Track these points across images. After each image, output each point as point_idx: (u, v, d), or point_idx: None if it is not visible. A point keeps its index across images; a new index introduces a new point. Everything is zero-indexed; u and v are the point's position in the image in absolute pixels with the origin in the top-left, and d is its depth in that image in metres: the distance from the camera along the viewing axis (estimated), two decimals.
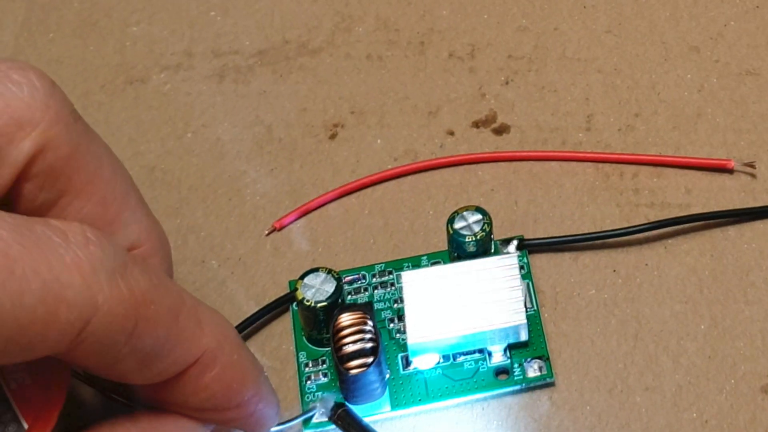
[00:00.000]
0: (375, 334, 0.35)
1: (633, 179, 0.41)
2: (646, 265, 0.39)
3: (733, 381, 0.37)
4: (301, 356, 0.37)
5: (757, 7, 0.45)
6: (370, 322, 0.35)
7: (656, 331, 0.38)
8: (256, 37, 0.47)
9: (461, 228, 0.37)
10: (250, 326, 0.38)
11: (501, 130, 0.43)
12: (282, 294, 0.39)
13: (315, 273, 0.36)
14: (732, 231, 0.40)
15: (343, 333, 0.35)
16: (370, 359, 0.34)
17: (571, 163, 0.42)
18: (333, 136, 0.44)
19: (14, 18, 0.48)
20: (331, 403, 0.35)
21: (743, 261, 0.39)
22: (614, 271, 0.39)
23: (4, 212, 0.26)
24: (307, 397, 0.36)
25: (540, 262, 0.39)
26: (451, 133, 0.43)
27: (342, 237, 0.41)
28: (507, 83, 0.44)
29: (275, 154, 0.43)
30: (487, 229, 0.37)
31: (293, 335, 0.38)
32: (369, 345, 0.35)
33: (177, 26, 0.47)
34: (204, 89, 0.45)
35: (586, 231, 0.40)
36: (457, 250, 0.38)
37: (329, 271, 0.36)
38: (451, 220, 0.37)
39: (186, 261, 0.40)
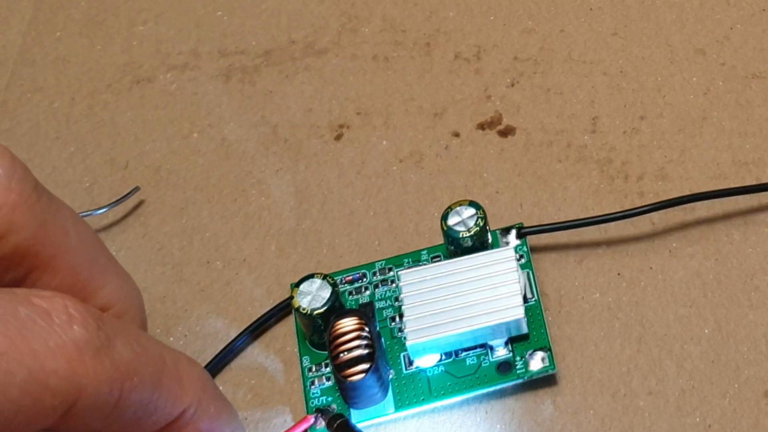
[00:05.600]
0: (371, 339, 0.35)
1: (638, 182, 0.41)
2: (651, 268, 0.39)
3: (736, 385, 0.37)
4: (304, 361, 0.37)
5: (764, 10, 0.45)
6: (366, 328, 0.35)
7: (660, 335, 0.38)
8: (263, 37, 0.47)
9: (455, 224, 0.37)
10: (255, 329, 0.38)
11: (506, 132, 0.43)
12: (286, 297, 0.39)
13: (310, 280, 0.36)
14: (737, 235, 0.40)
15: (340, 341, 0.35)
16: (367, 365, 0.34)
17: (575, 165, 0.42)
18: (338, 137, 0.44)
19: (21, 17, 0.48)
20: (330, 413, 0.35)
21: (748, 265, 0.39)
22: (618, 274, 0.39)
23: None
24: (312, 402, 0.37)
25: (544, 265, 0.39)
26: (457, 135, 0.43)
27: (346, 239, 0.41)
28: (512, 85, 0.44)
29: (281, 155, 0.43)
30: (481, 223, 0.37)
31: (296, 340, 0.38)
32: (365, 352, 0.35)
33: (184, 26, 0.47)
34: (210, 89, 0.45)
35: (590, 233, 0.40)
36: (453, 245, 0.38)
37: (324, 277, 0.36)
38: (444, 217, 0.38)
39: (191, 261, 0.41)
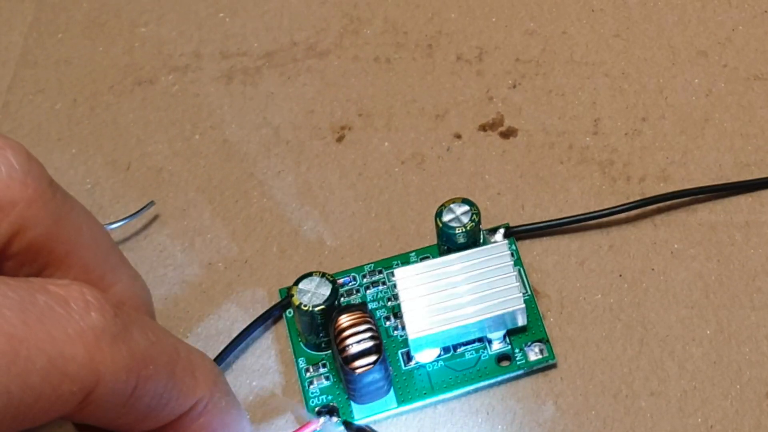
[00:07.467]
0: (376, 331, 0.35)
1: (639, 184, 0.41)
2: (653, 269, 0.39)
3: (738, 386, 0.37)
4: (300, 362, 0.37)
5: (766, 11, 0.45)
6: (370, 320, 0.35)
7: (662, 336, 0.38)
8: (265, 38, 0.47)
9: (450, 220, 0.37)
10: (254, 331, 0.38)
11: (508, 134, 0.43)
12: (284, 298, 0.39)
13: (309, 278, 0.36)
14: (739, 236, 0.40)
15: (345, 334, 0.35)
16: (375, 357, 0.35)
17: (577, 166, 0.42)
18: (340, 139, 0.44)
19: (23, 18, 0.48)
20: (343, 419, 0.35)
21: (750, 266, 0.39)
22: (620, 275, 0.39)
23: (8, 282, 0.26)
24: (312, 402, 0.37)
25: (546, 266, 0.39)
26: (458, 137, 0.43)
27: (348, 240, 0.41)
28: (514, 87, 0.44)
29: (282, 156, 0.43)
30: (476, 220, 0.37)
31: (290, 342, 0.38)
32: (372, 343, 0.35)
33: (185, 27, 0.47)
34: (212, 91, 0.45)
35: (591, 234, 0.40)
36: (447, 243, 0.38)
37: (323, 275, 0.36)
38: (439, 214, 0.38)
39: (192, 263, 0.41)
